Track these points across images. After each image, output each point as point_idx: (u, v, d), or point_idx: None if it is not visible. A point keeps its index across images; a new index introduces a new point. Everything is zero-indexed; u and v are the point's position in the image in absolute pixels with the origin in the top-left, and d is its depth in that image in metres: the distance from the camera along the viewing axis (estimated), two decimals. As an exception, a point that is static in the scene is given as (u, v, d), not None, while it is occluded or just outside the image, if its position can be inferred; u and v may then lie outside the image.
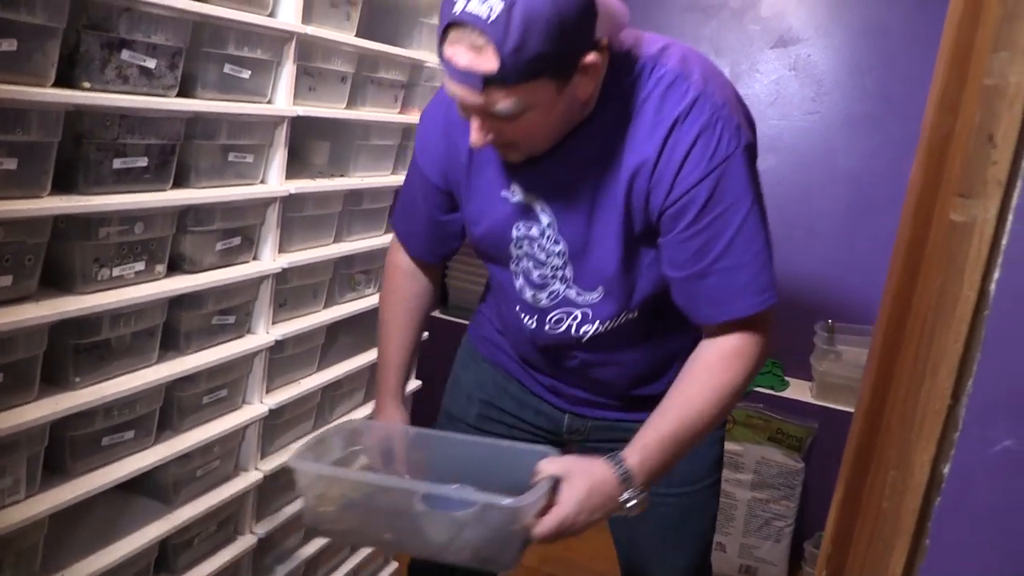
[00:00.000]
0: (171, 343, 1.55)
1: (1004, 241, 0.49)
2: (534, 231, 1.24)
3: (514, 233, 1.26)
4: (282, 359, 1.80)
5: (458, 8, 0.97)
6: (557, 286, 1.26)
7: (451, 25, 0.99)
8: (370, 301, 2.06)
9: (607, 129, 1.14)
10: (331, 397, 2.01)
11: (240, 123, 1.57)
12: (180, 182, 1.50)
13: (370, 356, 2.10)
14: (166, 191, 1.45)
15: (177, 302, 1.52)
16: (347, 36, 1.79)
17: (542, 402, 1.46)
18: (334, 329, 1.98)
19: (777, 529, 2.71)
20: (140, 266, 1.44)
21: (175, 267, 1.54)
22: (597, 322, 1.26)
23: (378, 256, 2.08)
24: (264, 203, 1.66)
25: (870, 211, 2.74)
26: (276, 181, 1.67)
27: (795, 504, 2.70)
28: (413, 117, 2.10)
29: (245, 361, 1.69)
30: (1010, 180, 0.49)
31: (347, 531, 1.19)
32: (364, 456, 1.36)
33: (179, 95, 1.44)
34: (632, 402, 1.38)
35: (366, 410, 2.14)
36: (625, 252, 1.19)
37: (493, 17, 0.94)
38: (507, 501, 1.06)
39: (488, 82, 0.99)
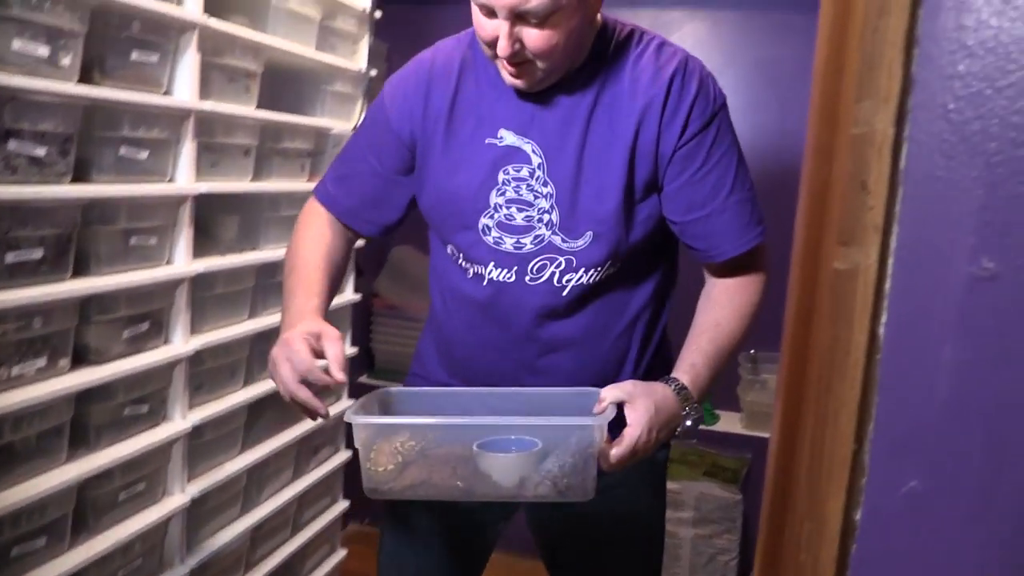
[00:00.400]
0: (81, 439, 1.48)
1: (887, 285, 0.51)
2: (524, 172, 1.26)
3: (500, 177, 1.27)
4: (202, 444, 1.74)
5: None
6: (543, 231, 1.26)
7: None
8: (292, 374, 2.00)
9: (603, 79, 1.25)
10: (258, 478, 1.94)
11: (141, 205, 1.53)
12: (80, 271, 1.45)
13: (298, 430, 2.04)
14: (65, 281, 1.39)
15: (85, 396, 1.45)
16: (247, 109, 1.77)
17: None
18: (256, 407, 1.92)
19: (723, 564, 2.71)
20: (41, 362, 1.37)
21: (80, 359, 1.47)
22: (582, 270, 1.27)
23: (297, 327, 2.03)
24: (172, 285, 1.61)
25: (777, 241, 2.81)
26: (183, 261, 1.63)
27: (737, 537, 2.71)
28: (323, 185, 2.07)
29: (162, 451, 1.62)
30: (887, 225, 0.50)
31: (413, 486, 1.14)
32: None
33: (74, 181, 1.40)
34: None
35: (296, 488, 2.08)
36: (625, 197, 1.24)
37: None
38: (590, 419, 1.12)
39: None
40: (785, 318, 0.60)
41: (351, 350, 2.26)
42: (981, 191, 0.48)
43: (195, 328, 1.69)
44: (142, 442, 1.55)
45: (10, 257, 1.30)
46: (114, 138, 1.46)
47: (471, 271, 1.32)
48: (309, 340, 1.19)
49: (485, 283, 1.30)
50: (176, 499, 1.64)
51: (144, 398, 1.58)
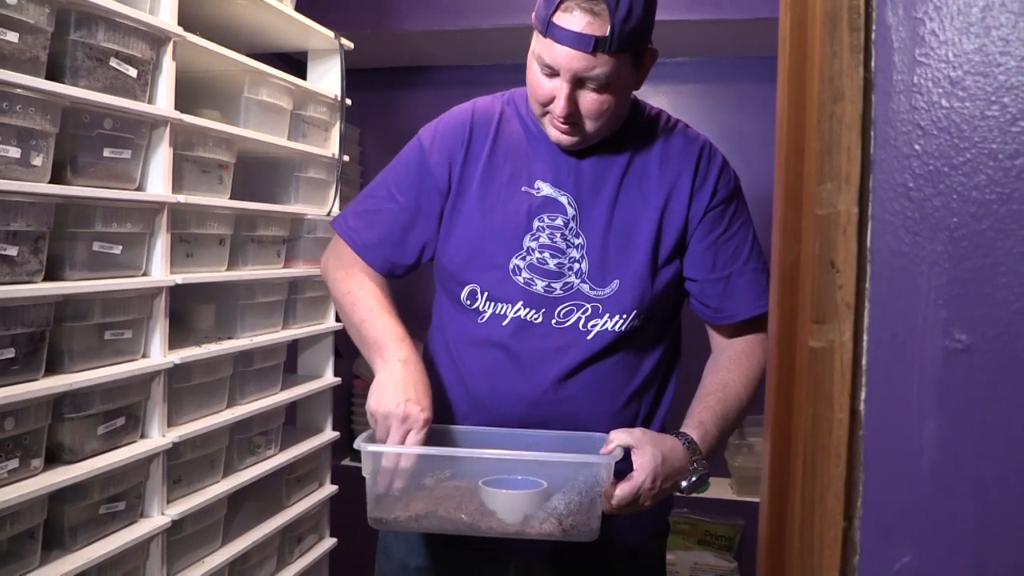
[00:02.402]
0: (55, 541, 1.43)
1: (864, 361, 0.51)
2: (559, 221, 1.33)
3: (535, 224, 1.33)
4: (182, 539, 1.69)
5: None
6: (572, 278, 1.32)
7: None
8: (273, 463, 1.97)
9: (636, 144, 1.35)
10: (240, 571, 1.88)
11: (115, 299, 1.52)
12: (53, 368, 1.43)
13: (280, 520, 1.99)
14: (37, 380, 1.37)
15: (59, 496, 1.41)
16: (221, 199, 1.78)
17: (487, 553, 1.39)
18: (237, 497, 1.88)
19: (721, 635, 2.65)
20: (13, 464, 1.34)
21: (54, 458, 1.44)
22: (607, 316, 1.32)
23: (277, 415, 2.00)
24: (147, 378, 1.59)
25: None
26: (159, 354, 1.61)
27: (735, 606, 2.66)
28: (298, 271, 2.08)
29: (140, 549, 1.57)
30: (858, 302, 0.51)
31: (418, 517, 1.12)
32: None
33: (46, 279, 1.39)
34: None
35: (280, 579, 2.02)
36: (652, 253, 1.32)
37: None
38: (597, 458, 1.12)
39: (598, 45, 1.16)
40: (765, 398, 0.60)
41: (333, 434, 2.23)
42: (948, 265, 0.50)
43: (172, 420, 1.66)
44: (119, 540, 1.50)
45: (-19, 359, 1.28)
46: (87, 234, 1.46)
47: (489, 312, 1.35)
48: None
49: (507, 322, 1.34)
50: (155, 600, 1.59)
51: (120, 495, 1.54)
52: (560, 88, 1.22)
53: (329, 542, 2.26)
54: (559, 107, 1.22)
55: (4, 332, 1.31)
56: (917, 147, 0.50)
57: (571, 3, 1.16)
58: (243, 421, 1.86)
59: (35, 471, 1.38)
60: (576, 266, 1.32)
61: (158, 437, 1.61)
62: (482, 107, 1.44)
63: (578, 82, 1.21)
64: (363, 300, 1.38)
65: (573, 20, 1.16)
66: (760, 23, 2.45)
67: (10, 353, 1.32)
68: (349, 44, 2.25)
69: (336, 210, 2.23)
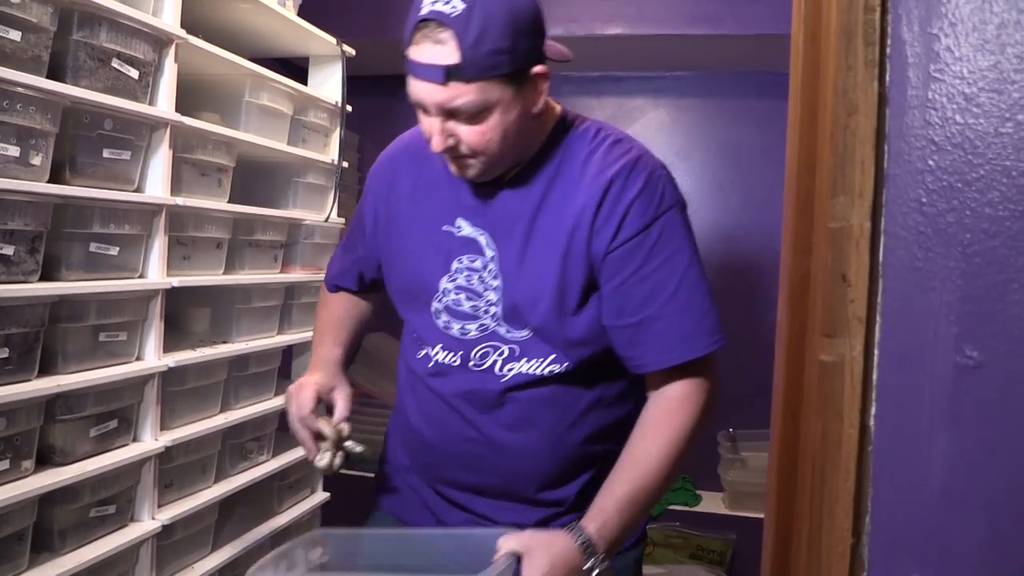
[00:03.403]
0: (44, 544, 1.42)
1: (875, 376, 0.51)
2: (477, 263, 1.26)
3: (454, 265, 1.27)
4: (172, 544, 1.67)
5: (424, 8, 1.08)
6: (487, 320, 1.26)
7: (417, 24, 1.09)
8: (265, 469, 1.96)
9: (552, 173, 1.23)
10: (229, 578, 1.87)
11: (110, 301, 1.51)
12: (47, 369, 1.41)
13: (271, 526, 1.98)
14: (31, 381, 1.36)
15: (49, 498, 1.40)
16: (220, 203, 1.77)
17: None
18: (228, 503, 1.86)
19: (711, 650, 2.64)
20: (4, 465, 1.33)
21: (45, 460, 1.42)
22: (524, 359, 1.24)
23: (270, 421, 1.99)
24: (141, 381, 1.58)
25: (753, 317, 2.85)
26: (153, 356, 1.60)
27: (725, 621, 2.65)
28: (295, 276, 2.07)
29: (130, 553, 1.55)
30: (870, 316, 0.50)
31: None
32: (330, 566, 1.25)
33: (42, 279, 1.38)
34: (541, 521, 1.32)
35: (269, 586, 2.00)
36: (557, 296, 1.21)
37: (456, 13, 1.05)
38: (483, 573, 1.05)
39: (450, 74, 1.07)
40: (772, 410, 0.59)
41: (325, 441, 2.21)
42: (960, 281, 0.49)
43: (165, 424, 1.65)
44: (109, 544, 1.49)
45: (-26, 358, 1.27)
46: (84, 235, 1.45)
47: (422, 351, 1.33)
48: (321, 391, 1.34)
49: (431, 364, 1.31)
50: (143, 605, 1.57)
51: (111, 498, 1.53)
52: (433, 123, 1.14)
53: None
54: (434, 144, 1.14)
55: (-2, 331, 1.30)
56: (931, 162, 0.50)
57: (419, 34, 1.09)
58: (236, 426, 1.84)
59: (26, 472, 1.36)
60: (492, 309, 1.24)
61: (150, 440, 1.59)
62: (408, 140, 1.39)
63: (448, 115, 1.12)
64: (318, 323, 1.52)
65: (422, 52, 1.09)
66: (760, 39, 2.46)
67: (4, 353, 1.31)
68: (351, 51, 2.25)
69: (334, 216, 2.22)
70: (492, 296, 1.25)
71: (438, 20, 1.06)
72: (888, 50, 0.51)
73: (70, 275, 1.43)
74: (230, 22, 1.96)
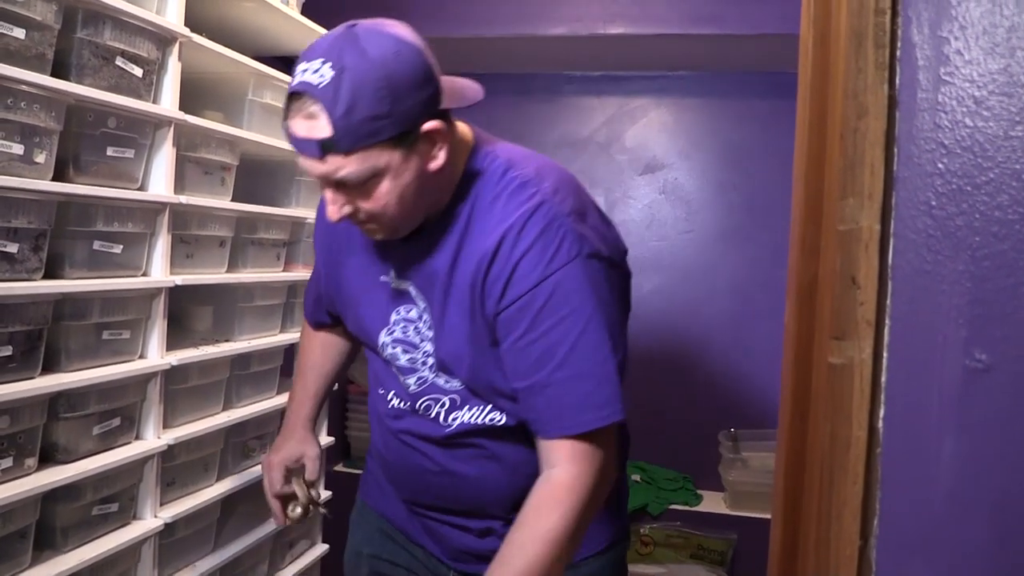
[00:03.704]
0: (46, 542, 1.42)
1: (884, 378, 0.51)
2: (413, 313, 1.22)
3: (392, 317, 1.24)
4: (174, 542, 1.67)
5: (295, 81, 1.02)
6: (425, 372, 1.23)
7: (289, 98, 1.03)
8: (267, 466, 1.96)
9: (465, 222, 1.15)
10: (231, 575, 1.87)
11: (114, 299, 1.51)
12: (50, 367, 1.41)
13: (272, 525, 1.98)
14: (34, 379, 1.36)
15: (51, 496, 1.40)
16: (223, 201, 1.77)
17: (429, 555, 1.39)
18: (230, 501, 1.86)
19: (711, 650, 2.64)
20: (7, 463, 1.33)
21: (47, 458, 1.42)
22: (465, 408, 1.21)
23: (272, 420, 1.99)
24: (144, 379, 1.58)
25: (754, 317, 2.85)
26: (156, 354, 1.60)
27: (725, 621, 2.65)
28: (297, 274, 2.07)
29: (132, 551, 1.56)
30: (879, 319, 0.50)
31: None
32: None
33: (45, 277, 1.38)
34: None
35: (270, 585, 2.00)
36: (473, 348, 1.15)
37: (324, 83, 0.99)
38: None
39: (325, 148, 1.02)
40: (780, 413, 0.59)
41: (327, 440, 2.21)
42: (969, 284, 0.49)
43: (167, 422, 1.65)
44: (111, 542, 1.49)
45: (-22, 355, 1.27)
46: (88, 233, 1.45)
47: (380, 390, 1.33)
48: (289, 464, 1.45)
49: (388, 406, 1.31)
50: (145, 603, 1.57)
51: (113, 496, 1.53)
52: (326, 194, 1.09)
53: (321, 548, 2.24)
54: (331, 212, 1.10)
55: (2, 329, 1.29)
56: (940, 165, 0.50)
57: (291, 108, 1.03)
58: (238, 424, 1.84)
59: (29, 470, 1.36)
60: (429, 360, 1.21)
61: (153, 439, 1.60)
62: None
63: (338, 185, 1.07)
64: (298, 361, 1.56)
65: (297, 126, 1.03)
66: (763, 39, 2.46)
67: (7, 351, 1.31)
68: (354, 49, 2.24)
69: (336, 215, 2.22)
70: (428, 347, 1.21)
71: (307, 93, 1.00)
72: (898, 53, 0.51)
73: (73, 273, 1.43)
74: (233, 20, 1.96)
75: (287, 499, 1.45)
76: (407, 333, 1.23)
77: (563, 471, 1.09)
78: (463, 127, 1.20)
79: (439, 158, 1.09)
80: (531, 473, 1.19)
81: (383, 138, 1.02)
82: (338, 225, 1.28)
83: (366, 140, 1.01)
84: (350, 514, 1.54)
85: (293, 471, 1.46)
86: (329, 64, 1.00)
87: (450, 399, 1.22)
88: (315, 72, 1.00)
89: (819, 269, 0.54)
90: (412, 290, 1.22)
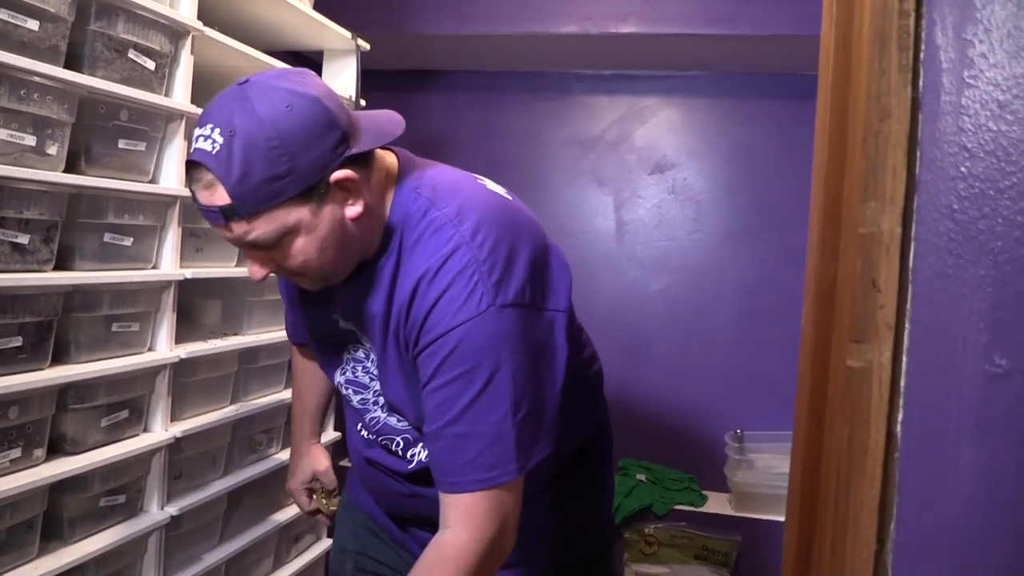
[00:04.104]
0: (54, 532, 1.42)
1: (903, 382, 0.50)
2: (361, 353, 1.21)
3: (345, 355, 1.23)
4: (180, 535, 1.68)
5: (191, 149, 1.00)
6: (377, 412, 1.22)
7: (187, 167, 1.02)
8: (274, 461, 1.96)
9: (390, 263, 1.11)
10: (237, 569, 1.87)
11: (123, 292, 1.51)
12: (59, 358, 1.42)
13: (279, 518, 1.98)
14: (43, 370, 1.36)
15: (59, 487, 1.40)
16: (234, 195, 1.77)
17: (413, 556, 1.38)
18: (236, 495, 1.87)
19: (714, 651, 2.63)
20: (16, 453, 1.33)
21: (56, 449, 1.43)
22: (419, 446, 1.19)
23: (279, 413, 1.99)
24: (152, 372, 1.58)
25: (762, 318, 2.84)
26: (165, 347, 1.60)
27: (728, 622, 2.64)
28: (307, 267, 2.07)
29: (138, 543, 1.56)
30: (899, 322, 0.50)
31: None
32: None
33: (56, 268, 1.38)
34: None
35: (275, 579, 2.01)
36: (410, 391, 1.13)
37: (216, 150, 0.96)
38: None
39: (227, 216, 0.99)
40: (795, 415, 0.59)
41: (333, 435, 2.22)
42: (990, 289, 0.49)
43: (175, 415, 1.65)
44: (118, 534, 1.49)
45: (-12, 346, 1.27)
46: (98, 225, 1.45)
47: (350, 417, 1.33)
48: (308, 484, 1.53)
49: (358, 436, 1.31)
50: (151, 595, 1.58)
51: (121, 488, 1.54)
52: (247, 255, 1.07)
53: (326, 543, 2.24)
54: (253, 273, 1.07)
55: (12, 320, 1.30)
56: (963, 169, 0.50)
57: (191, 179, 1.01)
58: (246, 418, 1.85)
59: (37, 461, 1.37)
60: (380, 399, 1.20)
61: (161, 431, 1.60)
62: None
63: (253, 247, 1.03)
64: (293, 380, 1.57)
65: (199, 196, 1.01)
66: (775, 40, 2.45)
67: (17, 341, 1.31)
68: (365, 45, 2.24)
69: (345, 210, 2.22)
70: (377, 386, 1.19)
71: (201, 163, 0.98)
72: (922, 55, 0.51)
73: (84, 265, 1.44)
74: (246, 15, 1.96)
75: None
76: (356, 373, 1.22)
77: (452, 534, 1.05)
78: (389, 160, 1.15)
79: (357, 206, 1.05)
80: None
81: (286, 197, 0.99)
82: None
83: (268, 203, 0.98)
84: None
85: (313, 487, 1.54)
86: (219, 129, 0.97)
87: (403, 439, 1.21)
88: (206, 139, 0.97)
89: (838, 272, 0.54)
90: (357, 331, 1.19)
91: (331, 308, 1.21)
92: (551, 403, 1.07)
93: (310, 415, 1.53)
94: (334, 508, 1.52)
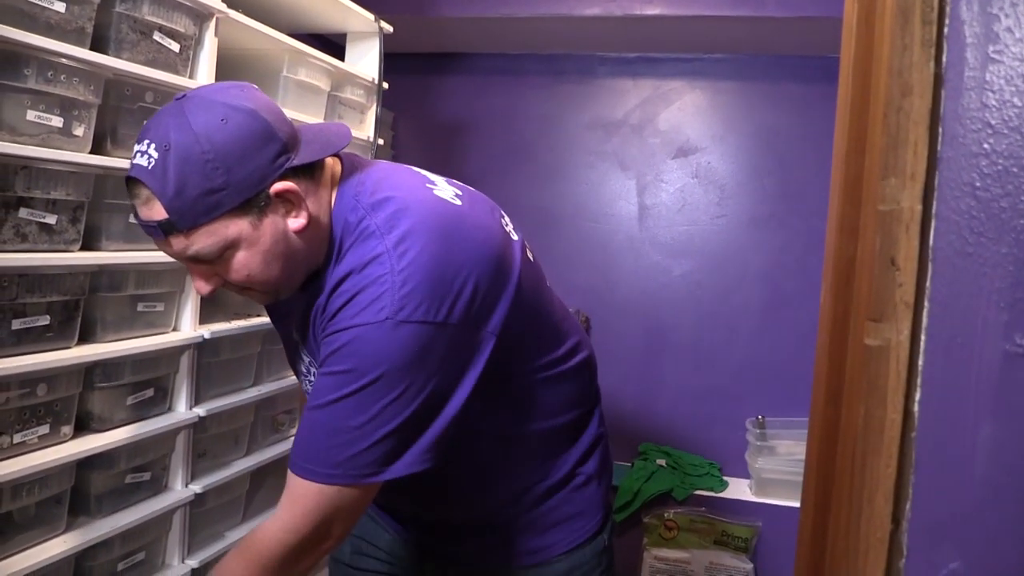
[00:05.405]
0: (81, 508, 1.45)
1: (920, 361, 0.50)
2: (302, 367, 1.22)
3: (300, 366, 1.24)
4: (203, 513, 1.70)
5: (129, 164, 1.00)
6: None
7: (127, 183, 1.02)
8: (295, 441, 1.98)
9: (334, 276, 1.09)
10: (259, 547, 1.90)
11: (149, 271, 1.53)
12: (86, 337, 1.44)
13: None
14: (71, 348, 1.38)
15: (86, 464, 1.43)
16: (257, 177, 1.78)
17: (409, 538, 1.39)
18: (259, 474, 1.89)
19: (733, 636, 2.64)
20: (44, 430, 1.36)
21: (83, 426, 1.45)
22: None
23: (301, 395, 2.01)
24: (177, 351, 1.60)
25: (784, 305, 2.82)
26: (189, 327, 1.62)
27: (748, 607, 2.64)
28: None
29: (163, 520, 1.59)
30: (917, 301, 0.50)
31: None
32: None
33: (83, 248, 1.40)
34: (478, 531, 1.30)
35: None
36: None
37: (152, 165, 0.97)
38: None
39: (165, 230, 1.00)
40: (812, 394, 0.59)
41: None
42: (1012, 268, 0.48)
43: (199, 395, 1.67)
44: (143, 511, 1.52)
45: (16, 324, 1.29)
46: (124, 206, 1.47)
47: None
48: None
49: None
50: (176, 570, 1.60)
51: (146, 466, 1.56)
52: (191, 269, 1.07)
53: None
54: (199, 287, 1.07)
55: (40, 299, 1.32)
56: (986, 146, 0.49)
57: (130, 195, 1.02)
58: (268, 398, 1.87)
59: (65, 438, 1.39)
60: None
61: (185, 410, 1.62)
62: None
63: (195, 261, 1.04)
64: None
65: (139, 211, 1.02)
66: (801, 22, 2.42)
67: (45, 320, 1.34)
68: (388, 27, 2.24)
69: (368, 193, 2.23)
70: None
71: (137, 178, 0.99)
72: (946, 30, 0.50)
73: (110, 245, 1.46)
74: (269, -3, 1.96)
75: None
76: (306, 386, 1.23)
77: (271, 520, 1.07)
78: (334, 167, 1.14)
79: (300, 218, 1.05)
80: (497, 476, 1.21)
81: (224, 210, 0.99)
82: None
83: (205, 216, 0.99)
84: None
85: None
86: (154, 145, 0.97)
87: None
88: (143, 155, 0.98)
89: (857, 250, 0.53)
90: (301, 343, 1.20)
91: (289, 326, 1.22)
92: (439, 424, 1.05)
93: None
94: None
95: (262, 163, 1.00)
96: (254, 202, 1.01)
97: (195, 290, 1.09)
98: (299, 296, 1.15)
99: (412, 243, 1.03)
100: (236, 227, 1.01)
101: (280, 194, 1.02)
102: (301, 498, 1.04)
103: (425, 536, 1.37)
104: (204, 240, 1.00)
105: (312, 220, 1.06)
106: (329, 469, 1.02)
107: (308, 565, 1.09)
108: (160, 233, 1.00)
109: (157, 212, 0.99)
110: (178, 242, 1.00)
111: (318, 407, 1.03)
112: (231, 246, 1.02)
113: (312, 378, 1.20)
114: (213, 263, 1.04)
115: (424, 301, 1.00)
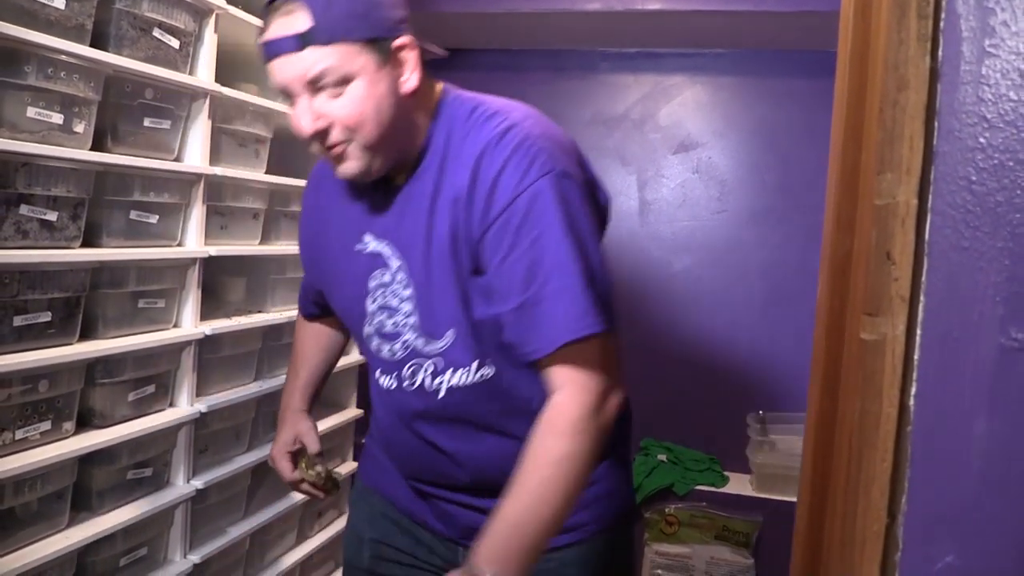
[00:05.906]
0: (83, 504, 1.46)
1: (916, 355, 0.50)
2: (387, 277, 1.21)
3: (370, 283, 1.23)
4: (205, 508, 1.71)
5: None
6: (408, 335, 1.21)
7: (268, 8, 1.06)
8: (297, 437, 1.98)
9: (440, 164, 1.15)
10: (261, 542, 1.90)
11: (149, 268, 1.53)
12: (87, 334, 1.44)
13: (301, 495, 2.01)
14: (72, 345, 1.39)
15: (88, 459, 1.43)
16: (257, 174, 1.79)
17: (434, 536, 1.37)
18: (261, 469, 1.90)
19: (734, 631, 2.64)
20: (46, 426, 1.36)
21: (84, 422, 1.46)
22: (449, 371, 1.19)
23: (302, 389, 2.02)
24: (178, 347, 1.61)
25: (785, 300, 2.82)
26: (190, 324, 1.62)
27: (749, 602, 2.65)
28: (330, 246, 2.08)
29: (165, 515, 1.59)
30: (913, 295, 0.50)
31: None
32: None
33: (83, 245, 1.40)
34: None
35: (299, 553, 2.04)
36: (461, 292, 1.15)
37: None
38: None
39: (305, 40, 1.03)
40: (809, 388, 0.59)
41: (356, 412, 2.24)
42: (1008, 261, 0.48)
43: (200, 390, 1.68)
44: (144, 506, 1.52)
45: (18, 320, 1.29)
46: (125, 202, 1.47)
47: (373, 372, 1.31)
48: (289, 448, 1.42)
49: (379, 387, 1.29)
50: (178, 565, 1.61)
51: (147, 461, 1.56)
52: (300, 105, 1.09)
53: (356, 411, 2.28)
54: (304, 123, 1.09)
55: (41, 296, 1.32)
56: (982, 140, 0.49)
57: (271, 17, 1.06)
58: (270, 394, 1.87)
59: (66, 434, 1.40)
60: (410, 320, 1.19)
61: (186, 406, 1.63)
62: (317, 167, 1.36)
63: (313, 90, 1.07)
64: (292, 354, 1.54)
65: (276, 29, 1.05)
66: (801, 16, 2.41)
67: (46, 317, 1.34)
68: (388, 23, 2.24)
69: (368, 189, 2.23)
70: (407, 307, 1.19)
71: None
72: (941, 24, 0.50)
73: (111, 242, 1.46)
74: (269, -7, 1.96)
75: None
76: (386, 298, 1.22)
77: (563, 395, 1.08)
78: (433, 81, 1.20)
79: (411, 80, 1.11)
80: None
81: (358, 36, 1.05)
82: (317, 202, 1.31)
83: (343, 35, 1.04)
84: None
85: (298, 454, 1.44)
86: None
87: (432, 363, 1.20)
88: None
89: (854, 244, 0.53)
90: (387, 249, 1.20)
91: (355, 238, 1.23)
92: (608, 280, 1.12)
93: (300, 391, 1.49)
94: (312, 475, 1.41)
95: (395, 16, 1.09)
96: (381, 44, 1.07)
97: (296, 130, 1.11)
98: (391, 194, 1.18)
99: (534, 121, 1.14)
100: (363, 59, 1.06)
101: (401, 49, 1.09)
102: (577, 360, 1.07)
103: (454, 526, 1.33)
104: (334, 59, 1.04)
105: (420, 88, 1.13)
106: (579, 323, 1.05)
107: (608, 421, 1.11)
108: (296, 44, 1.04)
109: (301, 23, 1.03)
110: (311, 54, 1.04)
111: (546, 278, 1.06)
112: (352, 76, 1.06)
113: (395, 286, 1.20)
114: (329, 97, 1.07)
115: (569, 162, 1.12)
